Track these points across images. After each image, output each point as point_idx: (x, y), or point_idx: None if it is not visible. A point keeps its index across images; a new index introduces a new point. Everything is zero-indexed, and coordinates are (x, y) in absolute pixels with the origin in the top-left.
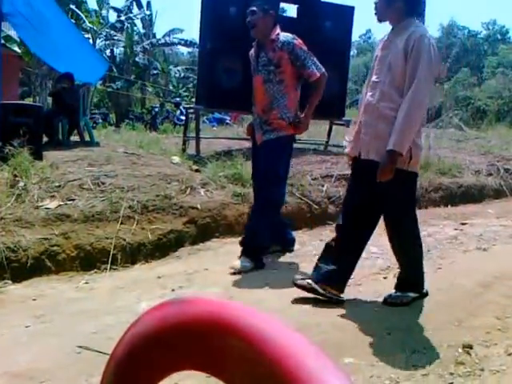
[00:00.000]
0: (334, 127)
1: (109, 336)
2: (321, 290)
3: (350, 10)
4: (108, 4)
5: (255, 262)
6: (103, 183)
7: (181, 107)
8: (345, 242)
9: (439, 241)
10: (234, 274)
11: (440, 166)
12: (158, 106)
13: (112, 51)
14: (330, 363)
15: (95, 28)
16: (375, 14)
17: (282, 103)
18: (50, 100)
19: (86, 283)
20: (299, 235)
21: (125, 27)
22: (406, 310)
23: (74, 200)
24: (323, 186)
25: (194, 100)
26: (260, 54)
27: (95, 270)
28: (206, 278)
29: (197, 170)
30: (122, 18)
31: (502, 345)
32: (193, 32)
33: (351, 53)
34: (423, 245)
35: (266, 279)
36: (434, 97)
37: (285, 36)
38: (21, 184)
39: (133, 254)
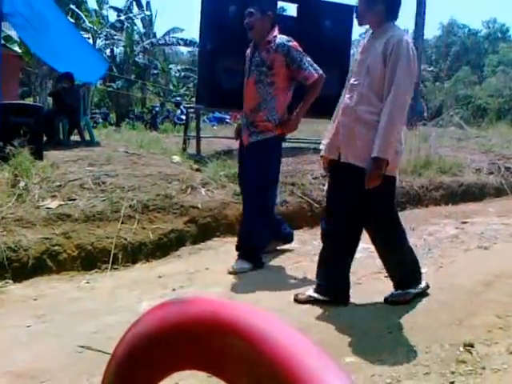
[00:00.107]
0: None
1: (110, 336)
2: (325, 298)
3: (349, 9)
4: (107, 4)
5: (254, 263)
6: (104, 183)
7: (181, 107)
8: (339, 247)
9: (440, 240)
10: (234, 273)
11: (441, 164)
12: (158, 105)
13: (112, 51)
14: (331, 363)
15: (95, 28)
16: (356, 17)
17: (270, 105)
18: (50, 100)
19: (87, 283)
20: (300, 234)
21: (125, 27)
22: (407, 309)
23: (74, 200)
24: (324, 185)
25: (194, 99)
26: (254, 55)
27: (96, 270)
28: (207, 278)
29: (197, 170)
30: (122, 17)
31: (503, 343)
32: (193, 31)
33: (351, 51)
34: (424, 244)
35: (267, 279)
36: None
37: (280, 38)
38: (22, 184)
39: (134, 254)
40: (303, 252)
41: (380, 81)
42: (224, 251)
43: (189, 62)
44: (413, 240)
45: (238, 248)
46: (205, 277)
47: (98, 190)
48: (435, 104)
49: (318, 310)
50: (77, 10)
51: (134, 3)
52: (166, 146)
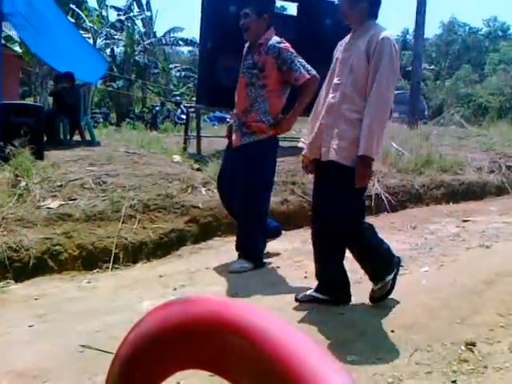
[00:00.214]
0: None
1: (111, 335)
2: (326, 297)
3: None
4: (106, 5)
5: (255, 262)
6: (104, 182)
7: (181, 106)
8: (330, 246)
9: (441, 238)
10: (235, 273)
11: (442, 163)
12: (158, 105)
13: (112, 50)
14: (333, 361)
15: (95, 27)
16: (338, 14)
17: (262, 108)
18: (50, 100)
19: (89, 282)
20: (301, 233)
21: (125, 26)
22: (409, 308)
23: (75, 199)
24: None
25: (194, 99)
26: (247, 57)
27: (97, 270)
28: (208, 277)
29: (198, 169)
30: (122, 17)
31: (505, 342)
32: (193, 31)
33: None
34: (425, 242)
35: (268, 278)
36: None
37: (272, 40)
38: (22, 184)
39: (135, 253)
40: (304, 251)
41: (363, 79)
42: (225, 251)
43: (189, 61)
44: (414, 239)
45: (238, 248)
46: (206, 276)
47: (99, 189)
48: (436, 103)
49: (319, 309)
50: (77, 9)
51: (135, 3)
52: (166, 146)
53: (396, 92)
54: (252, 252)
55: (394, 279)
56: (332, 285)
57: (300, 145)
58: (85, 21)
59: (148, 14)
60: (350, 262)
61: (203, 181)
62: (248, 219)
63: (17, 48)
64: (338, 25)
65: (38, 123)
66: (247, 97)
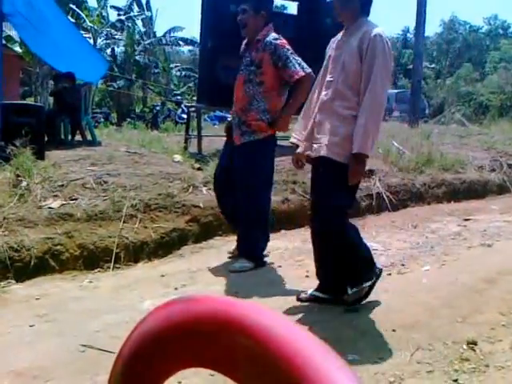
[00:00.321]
0: None
1: (112, 334)
2: (327, 296)
3: None
4: (106, 5)
5: (255, 261)
6: (106, 182)
7: (182, 106)
8: (328, 245)
9: (442, 237)
10: (236, 272)
11: (443, 161)
12: (159, 104)
13: (113, 50)
14: (338, 361)
15: (96, 27)
16: (331, 11)
17: (261, 106)
18: (51, 100)
19: (90, 282)
20: (301, 232)
21: (125, 26)
22: (410, 307)
23: (76, 199)
24: None
25: (195, 98)
26: (245, 54)
27: (98, 269)
28: (209, 276)
29: (199, 169)
30: (123, 17)
31: (506, 341)
32: (193, 30)
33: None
34: (426, 241)
35: (268, 277)
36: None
37: (269, 36)
38: (23, 184)
39: (136, 253)
40: (305, 250)
41: (355, 75)
42: (226, 250)
43: (189, 60)
44: (415, 238)
45: (238, 248)
46: (207, 275)
47: (100, 189)
48: (437, 101)
49: (321, 308)
50: (77, 9)
51: (135, 3)
52: (167, 145)
53: (397, 91)
54: (253, 251)
55: (372, 287)
56: (334, 284)
57: (292, 140)
58: (85, 21)
59: (148, 13)
60: None
61: (204, 180)
62: (248, 218)
63: (17, 48)
64: (339, 24)
65: (39, 123)
66: (245, 94)
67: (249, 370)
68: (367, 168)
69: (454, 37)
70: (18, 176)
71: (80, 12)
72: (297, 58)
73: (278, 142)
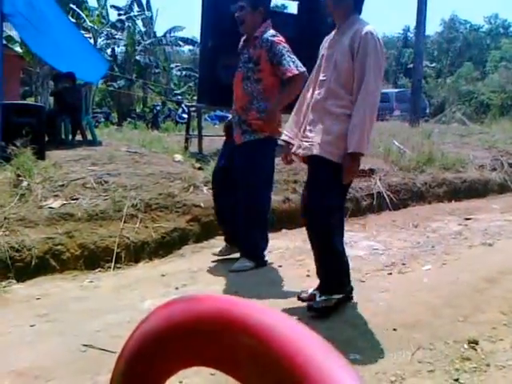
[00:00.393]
0: None
1: (113, 334)
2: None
3: None
4: (106, 5)
5: (256, 261)
6: (106, 182)
7: (182, 105)
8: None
9: (443, 236)
10: (236, 272)
11: (444, 161)
12: (159, 104)
13: (113, 50)
14: (340, 360)
15: (96, 27)
16: (323, 8)
17: (261, 106)
18: (51, 100)
19: (91, 282)
20: (302, 232)
21: (126, 26)
22: (411, 306)
23: (77, 199)
24: None
25: (195, 98)
26: (243, 51)
27: (99, 269)
28: (210, 276)
29: (199, 168)
30: (123, 17)
31: (507, 340)
32: (194, 29)
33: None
34: (427, 240)
35: (269, 277)
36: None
37: (266, 33)
38: (24, 184)
39: (136, 253)
40: (306, 250)
41: (347, 74)
42: None
43: (190, 60)
44: (416, 237)
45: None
46: (207, 275)
47: (101, 189)
48: (437, 100)
49: None
50: (77, 9)
51: (135, 2)
52: (167, 145)
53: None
54: (253, 251)
55: (340, 302)
56: (334, 284)
57: (283, 137)
58: (85, 20)
59: (148, 13)
60: (351, 261)
61: (205, 180)
62: (249, 218)
63: (18, 48)
64: None
65: (40, 123)
66: (244, 92)
67: (251, 369)
68: (368, 167)
69: (454, 36)
70: (18, 176)
71: (80, 12)
72: (292, 56)
73: (279, 142)
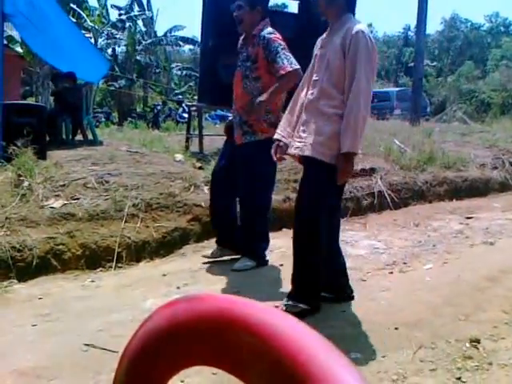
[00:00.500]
0: None
1: (115, 333)
2: (328, 295)
3: (351, 5)
4: (106, 5)
5: (257, 260)
6: (107, 182)
7: (183, 105)
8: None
9: (445, 235)
10: (237, 271)
11: (444, 159)
12: (160, 104)
13: (114, 50)
14: (342, 358)
15: (97, 27)
16: (315, 9)
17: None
18: (52, 99)
19: (92, 281)
20: None
21: (127, 26)
22: (412, 305)
23: (78, 199)
24: None
25: (196, 97)
26: (242, 49)
27: (100, 269)
28: (211, 276)
29: (200, 168)
30: (123, 17)
31: (509, 339)
32: (194, 29)
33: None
34: (428, 239)
35: (270, 276)
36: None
37: (264, 31)
38: (25, 184)
39: (137, 252)
40: None
41: (339, 73)
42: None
43: (190, 59)
44: (417, 236)
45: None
46: (209, 275)
47: (102, 189)
48: (438, 99)
49: (323, 306)
50: (78, 9)
51: (135, 2)
52: (168, 145)
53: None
54: (254, 250)
55: (303, 315)
56: (333, 283)
57: (276, 136)
58: (86, 20)
59: (149, 13)
60: (352, 260)
61: (205, 179)
62: (250, 218)
63: (18, 48)
64: None
65: (41, 123)
66: (244, 91)
67: (253, 368)
68: (369, 166)
69: (455, 34)
70: (19, 176)
71: (81, 12)
72: (287, 53)
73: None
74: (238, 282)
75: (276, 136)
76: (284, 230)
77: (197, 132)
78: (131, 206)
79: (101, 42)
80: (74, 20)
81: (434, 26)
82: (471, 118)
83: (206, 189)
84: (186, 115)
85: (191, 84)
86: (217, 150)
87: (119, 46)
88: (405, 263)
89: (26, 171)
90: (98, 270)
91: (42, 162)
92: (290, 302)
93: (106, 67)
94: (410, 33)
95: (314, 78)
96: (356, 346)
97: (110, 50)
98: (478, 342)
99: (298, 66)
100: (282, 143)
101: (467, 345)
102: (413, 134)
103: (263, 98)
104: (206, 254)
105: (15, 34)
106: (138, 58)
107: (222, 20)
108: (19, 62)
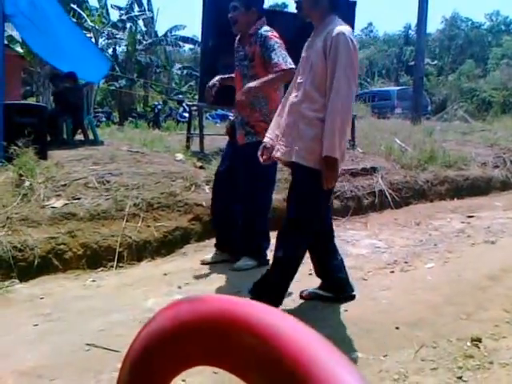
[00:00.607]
0: None
1: (116, 333)
2: (329, 294)
3: (351, 4)
4: (106, 5)
5: (258, 260)
6: (108, 182)
7: (184, 104)
8: (325, 245)
9: (446, 234)
10: (238, 271)
11: (446, 158)
12: (160, 103)
13: (114, 50)
14: (343, 359)
15: (97, 27)
16: (298, 12)
17: (264, 109)
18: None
19: (93, 281)
20: None
21: (127, 26)
22: (413, 305)
23: (79, 199)
24: None
25: (196, 97)
26: (239, 49)
27: (102, 268)
28: (212, 275)
29: (201, 167)
30: (124, 17)
31: (511, 338)
32: (195, 28)
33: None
34: (429, 238)
35: None
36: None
37: (261, 29)
38: (26, 183)
39: (139, 252)
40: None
41: (321, 76)
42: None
43: (191, 59)
44: (418, 235)
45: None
46: (210, 274)
47: (103, 188)
48: (439, 98)
49: (324, 305)
50: (78, 9)
51: (135, 2)
52: (169, 144)
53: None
54: (255, 250)
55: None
56: (333, 283)
57: (265, 139)
58: (86, 20)
59: (149, 13)
60: (353, 259)
61: (206, 179)
62: (251, 217)
63: (18, 48)
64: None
65: (42, 123)
66: None
67: (254, 368)
68: (370, 166)
69: (455, 33)
70: (20, 176)
71: (81, 12)
72: (283, 51)
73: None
74: (239, 281)
75: (265, 139)
76: None
77: (197, 131)
78: (132, 206)
79: (101, 41)
80: (75, 20)
81: (434, 25)
82: (472, 116)
83: (207, 188)
84: (186, 115)
85: (192, 83)
86: (217, 149)
87: (120, 46)
88: (406, 262)
89: (27, 171)
90: (99, 269)
91: (43, 162)
92: (252, 293)
93: (106, 67)
94: (410, 31)
95: (299, 80)
96: (357, 345)
97: (110, 50)
98: (480, 341)
99: (293, 66)
100: (268, 145)
101: (468, 344)
102: (414, 132)
103: (253, 84)
104: (205, 260)
105: (15, 34)
106: (138, 57)
107: (222, 20)
108: (20, 62)
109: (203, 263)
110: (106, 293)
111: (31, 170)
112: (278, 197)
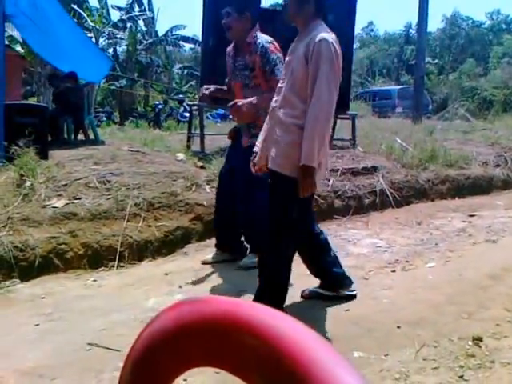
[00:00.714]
0: (338, 121)
1: (117, 333)
2: (330, 294)
3: (352, 3)
4: (106, 5)
5: None
6: (109, 181)
7: (184, 104)
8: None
9: (447, 233)
10: (242, 269)
11: (447, 157)
12: (161, 103)
13: (115, 50)
14: (343, 360)
15: (97, 27)
16: (284, 15)
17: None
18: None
19: (94, 281)
20: None
21: (128, 26)
22: (414, 304)
23: (80, 198)
24: (329, 180)
25: (197, 96)
26: (237, 58)
27: (103, 268)
28: (213, 275)
29: (202, 167)
30: (124, 17)
31: None
32: (195, 28)
33: (354, 46)
34: (431, 237)
35: None
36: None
37: (261, 38)
38: (27, 183)
39: (140, 251)
40: None
41: (302, 82)
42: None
43: (191, 58)
44: (419, 234)
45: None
46: (211, 274)
47: (104, 188)
48: (440, 97)
49: (325, 305)
50: (78, 9)
51: (136, 2)
52: (169, 144)
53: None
54: (258, 247)
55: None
56: (332, 283)
57: (255, 149)
58: (87, 20)
59: (149, 13)
60: (354, 258)
61: (207, 178)
62: (251, 218)
63: (19, 48)
64: (340, 21)
65: (42, 123)
66: (245, 98)
67: (255, 369)
68: (370, 165)
69: (456, 32)
70: (21, 176)
71: (82, 12)
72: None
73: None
74: (241, 281)
75: (255, 148)
76: None
77: (198, 131)
78: (133, 206)
79: (102, 41)
80: (75, 20)
81: (435, 24)
82: (473, 115)
83: (208, 188)
84: (187, 114)
85: (192, 83)
86: (218, 148)
87: (120, 46)
88: (407, 261)
89: (28, 171)
90: (100, 269)
91: (44, 162)
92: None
93: (107, 67)
94: (411, 31)
95: (280, 84)
96: (358, 344)
97: (111, 50)
98: (481, 340)
99: None
100: (257, 154)
101: (470, 343)
102: (414, 132)
103: (248, 102)
104: (206, 260)
105: (16, 34)
106: (139, 57)
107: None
108: (20, 62)
109: (204, 263)
110: (107, 292)
111: (32, 170)
112: None
